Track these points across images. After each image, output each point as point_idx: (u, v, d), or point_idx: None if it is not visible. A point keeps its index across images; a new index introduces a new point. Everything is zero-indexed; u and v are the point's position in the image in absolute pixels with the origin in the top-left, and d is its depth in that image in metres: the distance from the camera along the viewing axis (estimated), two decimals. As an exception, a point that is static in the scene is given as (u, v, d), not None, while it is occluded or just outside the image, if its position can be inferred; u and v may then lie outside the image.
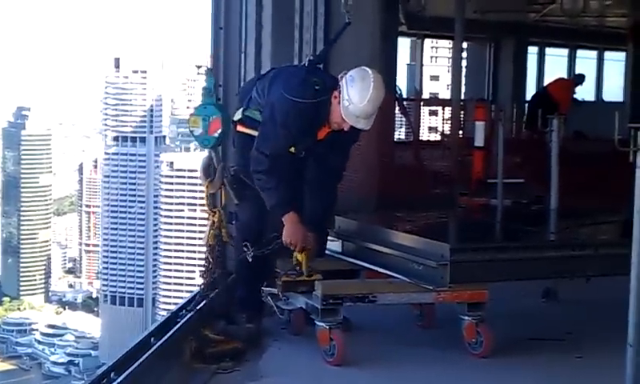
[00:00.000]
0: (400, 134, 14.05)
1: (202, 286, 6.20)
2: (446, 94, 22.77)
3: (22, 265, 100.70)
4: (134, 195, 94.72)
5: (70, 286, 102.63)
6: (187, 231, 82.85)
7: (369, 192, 8.50)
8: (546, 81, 17.35)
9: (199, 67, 6.45)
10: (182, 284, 79.29)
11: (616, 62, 19.95)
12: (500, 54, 18.51)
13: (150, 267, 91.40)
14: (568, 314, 6.90)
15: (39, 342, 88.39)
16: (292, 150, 5.79)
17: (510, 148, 9.64)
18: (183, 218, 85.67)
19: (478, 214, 9.30)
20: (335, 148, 5.89)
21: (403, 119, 13.31)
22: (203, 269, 6.23)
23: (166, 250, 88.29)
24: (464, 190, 10.06)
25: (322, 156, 5.92)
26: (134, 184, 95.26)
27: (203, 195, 6.36)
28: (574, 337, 6.26)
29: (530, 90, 18.18)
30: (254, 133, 5.85)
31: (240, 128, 6.03)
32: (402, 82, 16.80)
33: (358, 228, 6.53)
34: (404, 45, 18.63)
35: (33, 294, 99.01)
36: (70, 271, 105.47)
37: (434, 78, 42.50)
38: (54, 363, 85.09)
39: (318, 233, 5.93)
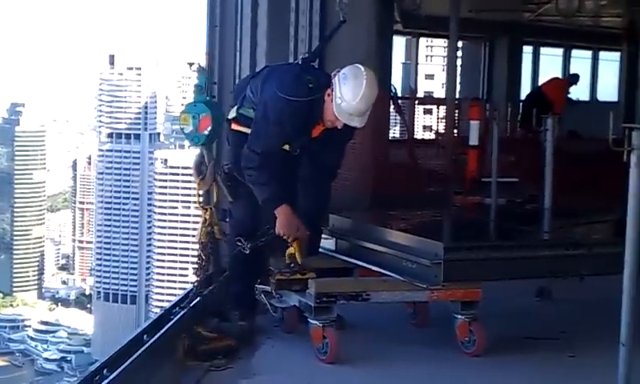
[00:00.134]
0: (395, 132, 14.06)
1: (195, 284, 6.19)
2: (440, 93, 22.77)
3: (15, 261, 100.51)
4: (128, 192, 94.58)
5: (64, 282, 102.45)
6: (181, 228, 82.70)
7: (363, 190, 8.50)
8: (541, 80, 17.39)
9: (191, 65, 6.43)
10: (175, 281, 79.23)
11: (610, 61, 19.99)
12: (495, 53, 18.55)
13: (144, 264, 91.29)
14: (561, 313, 6.90)
15: (32, 339, 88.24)
16: (286, 147, 5.79)
17: (504, 147, 9.65)
18: (177, 215, 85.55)
19: (472, 212, 9.33)
20: (330, 146, 5.88)
21: (398, 118, 13.30)
22: (196, 266, 6.23)
23: (159, 247, 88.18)
24: (458, 189, 10.08)
25: (317, 154, 5.91)
26: (128, 181, 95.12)
27: (195, 193, 6.36)
28: (568, 336, 6.26)
29: (525, 90, 18.22)
30: (249, 131, 5.84)
31: (234, 126, 6.02)
32: (396, 80, 16.84)
33: (351, 226, 6.53)
34: (399, 43, 18.71)
35: (26, 291, 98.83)
36: (63, 268, 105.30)
37: (429, 76, 42.62)
38: (47, 360, 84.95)
39: (311, 231, 5.93)
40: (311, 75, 5.71)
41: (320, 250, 6.35)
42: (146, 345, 5.15)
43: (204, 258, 6.22)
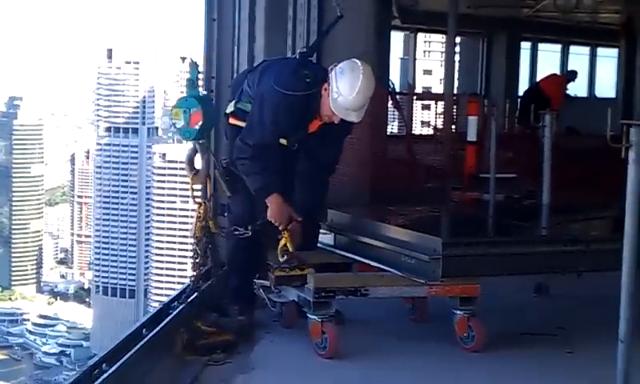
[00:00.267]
0: (393, 127, 14.07)
1: (192, 278, 6.20)
2: (438, 89, 22.79)
3: (13, 255, 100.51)
4: (126, 186, 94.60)
5: (62, 276, 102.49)
6: (179, 222, 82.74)
7: (361, 185, 8.50)
8: (539, 76, 17.38)
9: (184, 59, 6.41)
10: (174, 275, 79.32)
11: (608, 58, 19.99)
12: (493, 48, 18.53)
13: (142, 258, 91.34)
14: (559, 309, 6.92)
15: (31, 333, 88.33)
16: (284, 142, 5.79)
17: (502, 143, 9.66)
18: (175, 209, 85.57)
19: (470, 208, 9.31)
20: (327, 141, 5.86)
21: (396, 113, 13.32)
22: (192, 261, 6.23)
23: (158, 241, 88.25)
24: (456, 185, 10.08)
25: (314, 149, 5.90)
26: (126, 175, 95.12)
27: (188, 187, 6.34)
28: (566, 332, 6.28)
29: (523, 85, 18.21)
30: (246, 125, 5.84)
31: (232, 120, 6.01)
32: (395, 75, 16.85)
33: (350, 221, 6.53)
34: (397, 39, 18.69)
35: (24, 285, 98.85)
36: (61, 262, 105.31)
37: (427, 72, 42.56)
38: (46, 354, 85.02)
39: (308, 224, 5.93)
40: (308, 70, 5.69)
41: (319, 245, 6.36)
42: (145, 339, 5.16)
43: (199, 252, 6.22)
